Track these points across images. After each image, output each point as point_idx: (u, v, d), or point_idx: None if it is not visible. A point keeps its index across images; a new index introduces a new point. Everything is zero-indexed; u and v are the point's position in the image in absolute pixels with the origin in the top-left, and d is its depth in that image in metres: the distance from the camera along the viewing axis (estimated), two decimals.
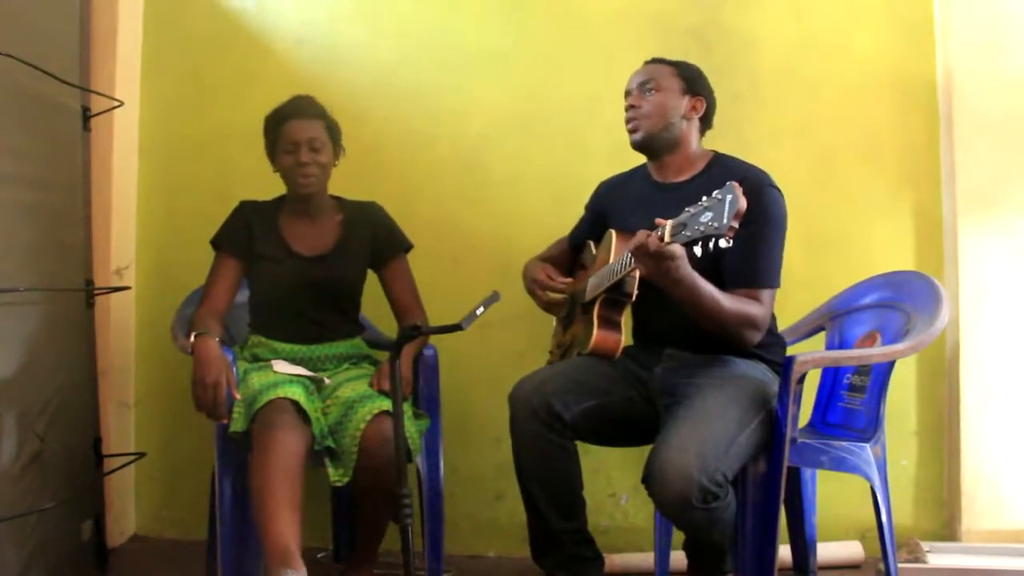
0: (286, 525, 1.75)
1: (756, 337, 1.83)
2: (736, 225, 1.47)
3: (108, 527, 2.37)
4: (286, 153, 2.08)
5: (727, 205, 1.48)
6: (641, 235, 1.63)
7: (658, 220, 1.61)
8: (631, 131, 1.98)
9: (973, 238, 2.39)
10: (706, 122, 2.00)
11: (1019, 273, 2.39)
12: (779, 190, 1.87)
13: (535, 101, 2.56)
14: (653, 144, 1.96)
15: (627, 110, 1.99)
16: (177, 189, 2.66)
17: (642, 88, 1.97)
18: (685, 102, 1.96)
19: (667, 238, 1.57)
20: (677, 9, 2.52)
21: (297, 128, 2.07)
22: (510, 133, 2.57)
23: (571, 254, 2.24)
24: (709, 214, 1.50)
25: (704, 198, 1.53)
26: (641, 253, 1.63)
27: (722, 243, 1.49)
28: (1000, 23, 2.40)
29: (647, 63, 2.03)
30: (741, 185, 1.73)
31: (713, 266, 1.76)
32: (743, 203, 1.48)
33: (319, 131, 2.10)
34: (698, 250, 1.53)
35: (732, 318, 1.77)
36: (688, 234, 1.52)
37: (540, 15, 2.58)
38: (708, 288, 1.71)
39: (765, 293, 1.83)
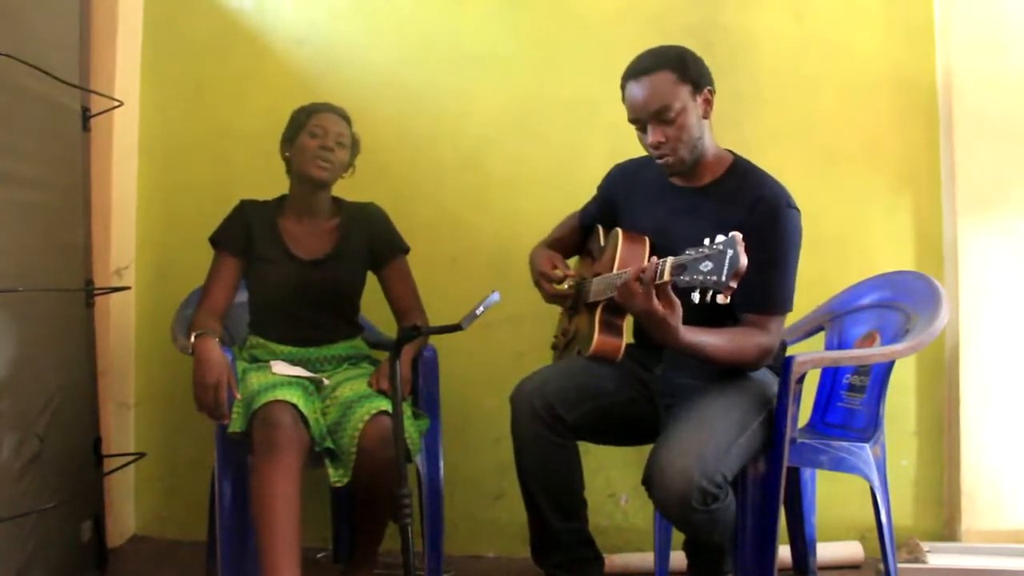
0: (286, 550, 1.76)
1: (759, 365, 1.81)
2: (734, 285, 1.44)
3: (108, 527, 2.36)
4: (312, 136, 2.11)
5: (727, 261, 1.43)
6: (638, 272, 1.59)
7: (653, 259, 1.58)
8: (666, 165, 1.82)
9: (973, 238, 2.39)
10: (711, 107, 1.83)
11: (1019, 273, 2.39)
12: (797, 210, 1.80)
13: (535, 101, 2.56)
14: (687, 166, 1.84)
15: (653, 147, 1.80)
16: (177, 189, 2.65)
17: (658, 119, 1.77)
18: (699, 103, 1.80)
19: (667, 276, 1.53)
20: (677, 9, 2.52)
21: (331, 119, 2.14)
22: (510, 133, 2.57)
23: (581, 233, 2.18)
24: (709, 264, 1.45)
25: (707, 241, 1.48)
26: (628, 296, 1.60)
27: (719, 299, 1.45)
28: (1000, 23, 2.40)
29: (644, 73, 1.78)
30: (758, 203, 1.73)
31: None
32: (743, 261, 1.43)
33: (348, 132, 2.17)
34: (696, 296, 1.49)
35: (725, 360, 1.75)
36: (686, 279, 1.48)
37: (540, 16, 2.58)
38: (698, 342, 1.68)
39: (775, 320, 1.79)
